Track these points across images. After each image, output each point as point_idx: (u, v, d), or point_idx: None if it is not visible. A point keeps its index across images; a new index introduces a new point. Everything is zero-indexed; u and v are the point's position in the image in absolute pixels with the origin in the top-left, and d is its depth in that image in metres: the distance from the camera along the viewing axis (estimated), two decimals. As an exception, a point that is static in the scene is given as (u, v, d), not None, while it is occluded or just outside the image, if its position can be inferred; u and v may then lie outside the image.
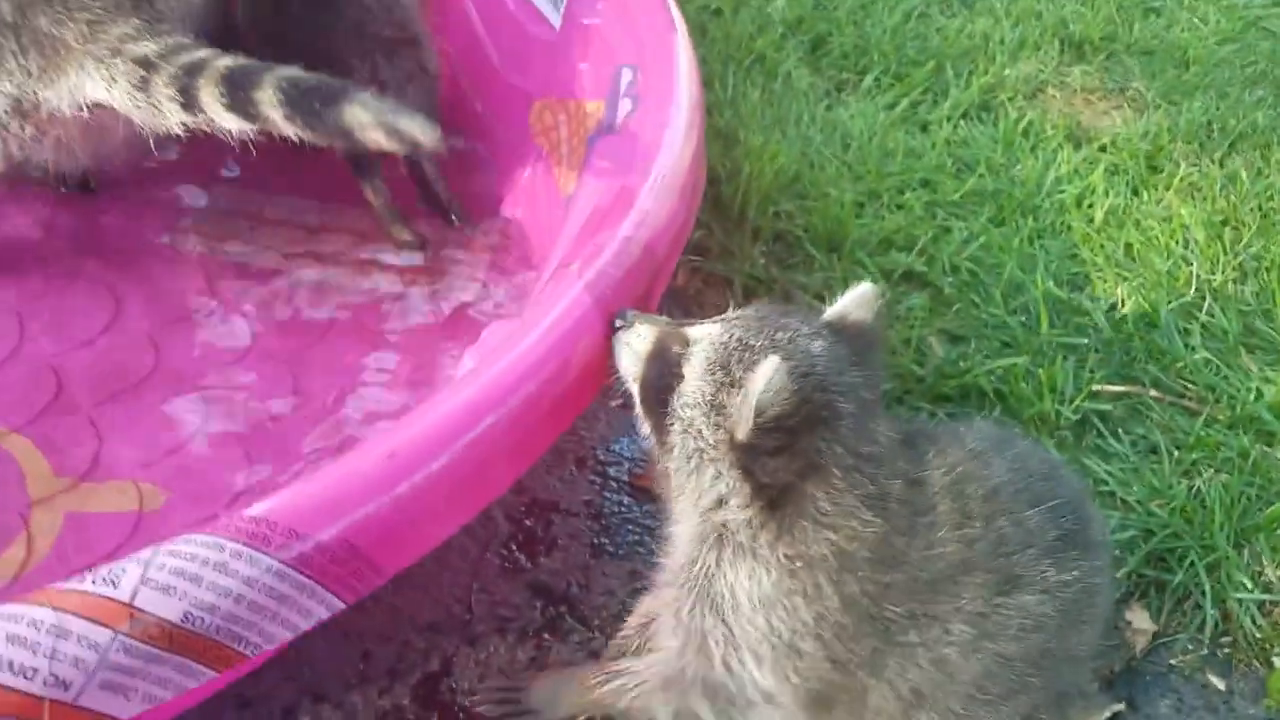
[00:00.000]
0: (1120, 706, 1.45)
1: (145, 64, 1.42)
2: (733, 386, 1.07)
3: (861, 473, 1.07)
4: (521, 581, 1.44)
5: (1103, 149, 2.37)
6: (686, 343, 1.13)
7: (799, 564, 1.06)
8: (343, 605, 0.93)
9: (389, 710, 1.27)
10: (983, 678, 1.12)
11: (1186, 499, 1.63)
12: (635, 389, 1.18)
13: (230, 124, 1.40)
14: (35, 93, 1.47)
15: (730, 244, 2.01)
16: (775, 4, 2.65)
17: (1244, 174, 2.30)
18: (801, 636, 1.07)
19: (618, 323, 1.20)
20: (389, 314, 1.74)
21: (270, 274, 1.77)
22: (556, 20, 1.96)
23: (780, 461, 1.05)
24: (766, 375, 1.00)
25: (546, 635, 1.39)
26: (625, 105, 1.60)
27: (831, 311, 1.17)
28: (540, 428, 1.10)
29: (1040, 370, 1.76)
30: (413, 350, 1.68)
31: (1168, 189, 2.25)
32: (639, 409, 1.18)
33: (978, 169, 2.24)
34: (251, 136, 1.42)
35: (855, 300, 1.17)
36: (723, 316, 1.17)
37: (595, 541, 1.53)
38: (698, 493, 1.11)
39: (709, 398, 1.08)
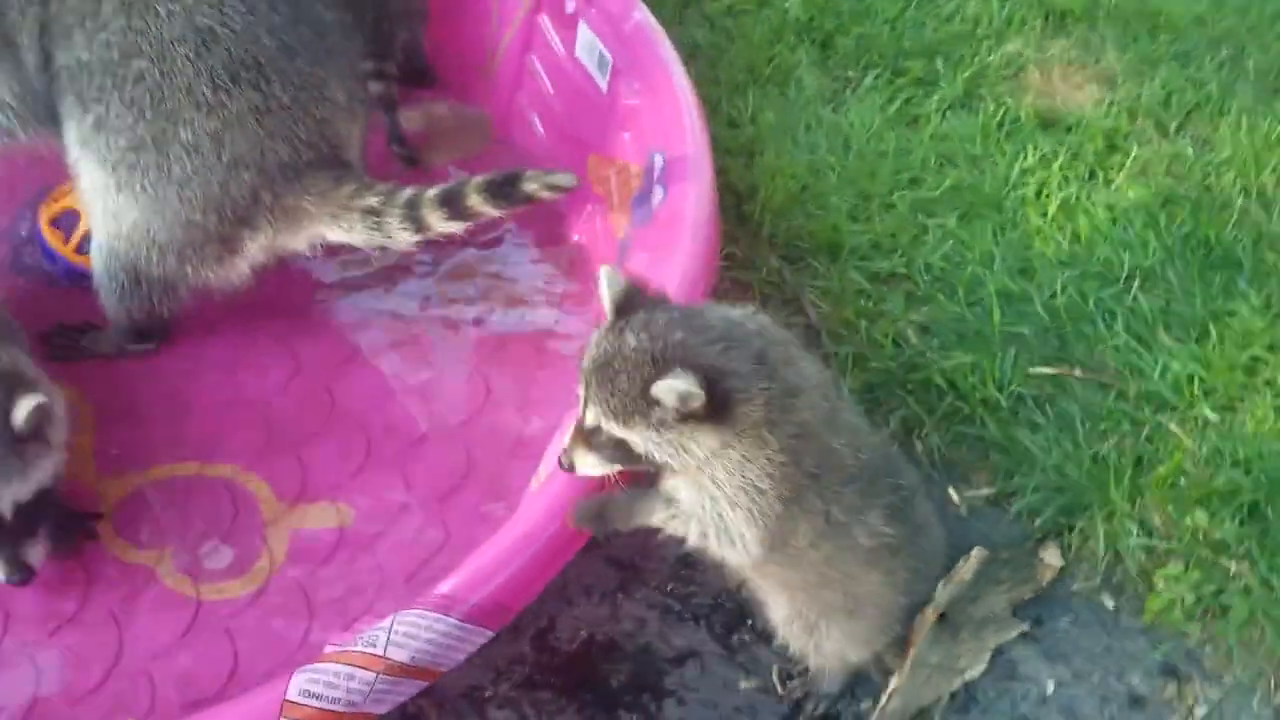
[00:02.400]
0: (1026, 626, 2.03)
1: (373, 212, 2.02)
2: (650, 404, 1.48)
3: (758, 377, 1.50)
4: (599, 556, 2.06)
5: (1069, 130, 2.80)
6: (599, 429, 1.55)
7: (746, 430, 1.50)
8: (493, 634, 1.58)
9: (515, 656, 1.92)
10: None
11: (1092, 463, 2.17)
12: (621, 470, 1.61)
13: (453, 229, 2.02)
14: (283, 243, 2.09)
15: (751, 254, 2.54)
16: (791, 2, 3.05)
17: (1190, 150, 2.72)
18: (759, 478, 1.53)
19: (565, 464, 1.61)
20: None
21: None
22: (603, 84, 2.45)
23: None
24: (677, 389, 1.43)
25: (619, 594, 2.02)
26: (658, 194, 2.13)
27: (614, 309, 1.55)
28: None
29: (984, 363, 2.28)
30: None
31: (1120, 170, 2.69)
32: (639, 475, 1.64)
33: (957, 164, 2.70)
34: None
35: (610, 289, 1.55)
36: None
37: (651, 520, 2.14)
38: (687, 458, 1.52)
39: (651, 422, 1.50)
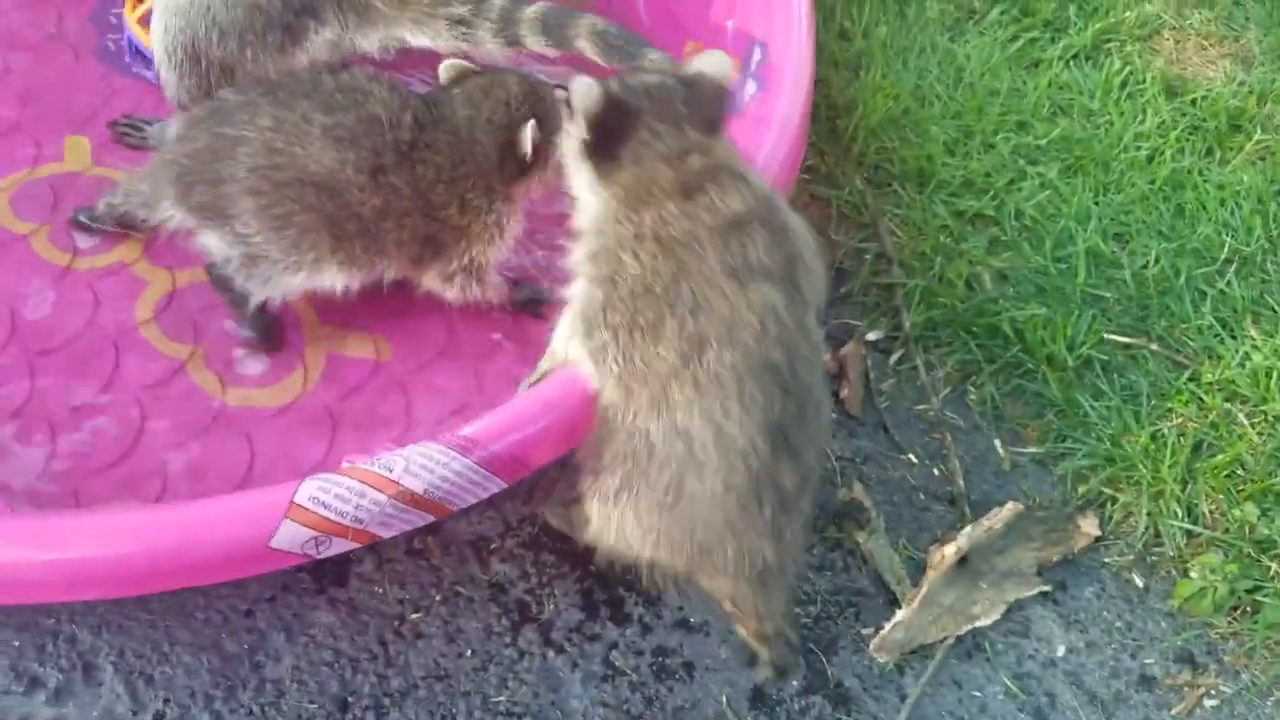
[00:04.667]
0: (1048, 587, 1.97)
1: (462, 21, 1.96)
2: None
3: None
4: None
5: (1193, 103, 2.66)
6: None
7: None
8: (506, 485, 1.55)
9: (526, 515, 1.90)
10: None
11: (1150, 439, 2.09)
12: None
13: (548, 51, 1.98)
14: (351, 40, 2.02)
15: (835, 171, 2.45)
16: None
17: (1318, 145, 2.58)
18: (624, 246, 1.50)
19: None
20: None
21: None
22: (712, -39, 2.35)
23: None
24: (579, 92, 1.51)
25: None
26: (750, 87, 2.04)
27: (691, 69, 1.62)
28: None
29: (1058, 319, 2.19)
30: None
31: (1239, 152, 2.55)
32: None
33: (1071, 115, 2.58)
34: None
35: (708, 65, 1.62)
36: None
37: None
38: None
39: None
